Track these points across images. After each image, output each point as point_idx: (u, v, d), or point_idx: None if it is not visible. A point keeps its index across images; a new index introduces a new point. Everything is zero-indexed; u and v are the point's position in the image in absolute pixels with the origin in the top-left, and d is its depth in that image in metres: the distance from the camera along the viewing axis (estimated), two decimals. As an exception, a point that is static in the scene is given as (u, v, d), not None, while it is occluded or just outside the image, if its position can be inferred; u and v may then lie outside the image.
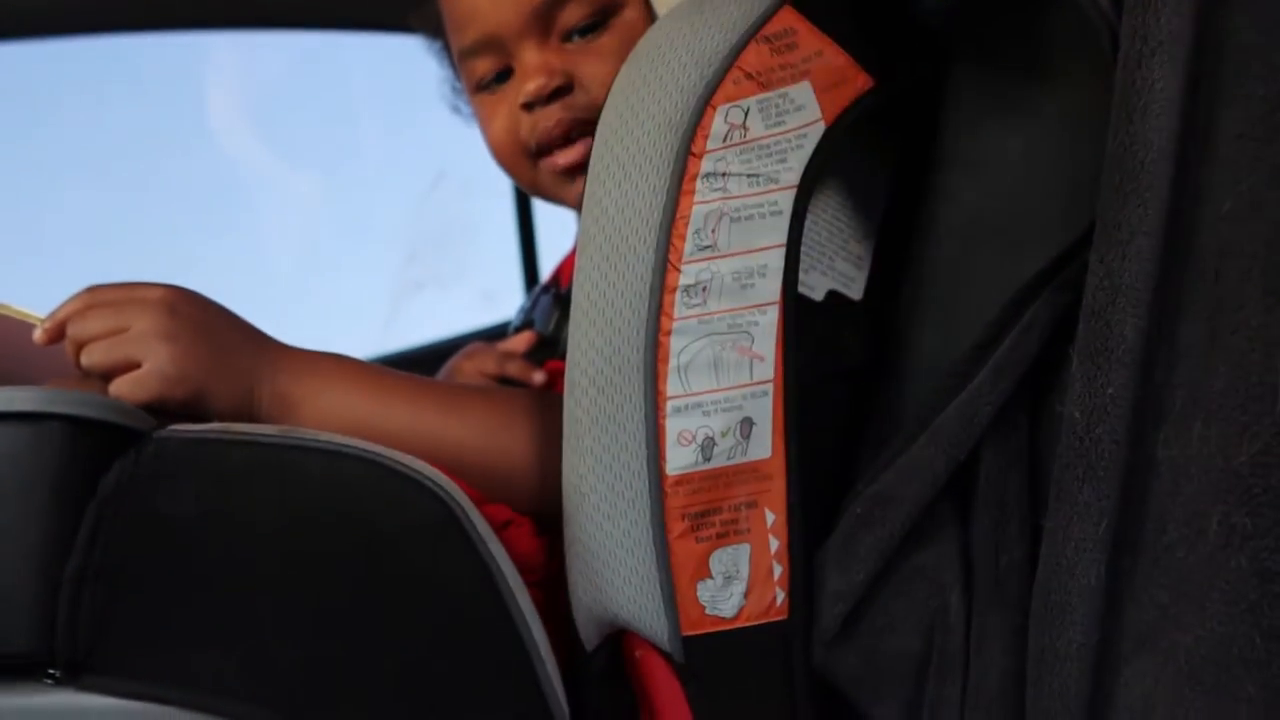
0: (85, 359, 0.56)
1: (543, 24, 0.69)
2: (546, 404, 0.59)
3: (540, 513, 0.59)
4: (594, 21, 0.70)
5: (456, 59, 0.77)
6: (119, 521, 0.39)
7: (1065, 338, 0.42)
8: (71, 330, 0.57)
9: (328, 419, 0.59)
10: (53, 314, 0.58)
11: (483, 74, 0.74)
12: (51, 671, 0.38)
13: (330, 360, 0.62)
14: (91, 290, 0.58)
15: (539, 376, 0.80)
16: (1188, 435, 0.37)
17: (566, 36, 0.70)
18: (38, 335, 0.58)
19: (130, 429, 0.42)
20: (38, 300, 0.66)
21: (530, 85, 0.69)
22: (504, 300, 1.05)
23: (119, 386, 0.55)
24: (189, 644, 0.39)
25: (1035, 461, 0.44)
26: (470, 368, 0.87)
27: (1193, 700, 0.36)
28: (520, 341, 0.89)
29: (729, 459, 0.49)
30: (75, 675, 0.38)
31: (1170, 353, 0.38)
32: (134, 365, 0.55)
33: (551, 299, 0.90)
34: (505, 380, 0.84)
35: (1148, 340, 0.38)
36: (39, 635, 0.37)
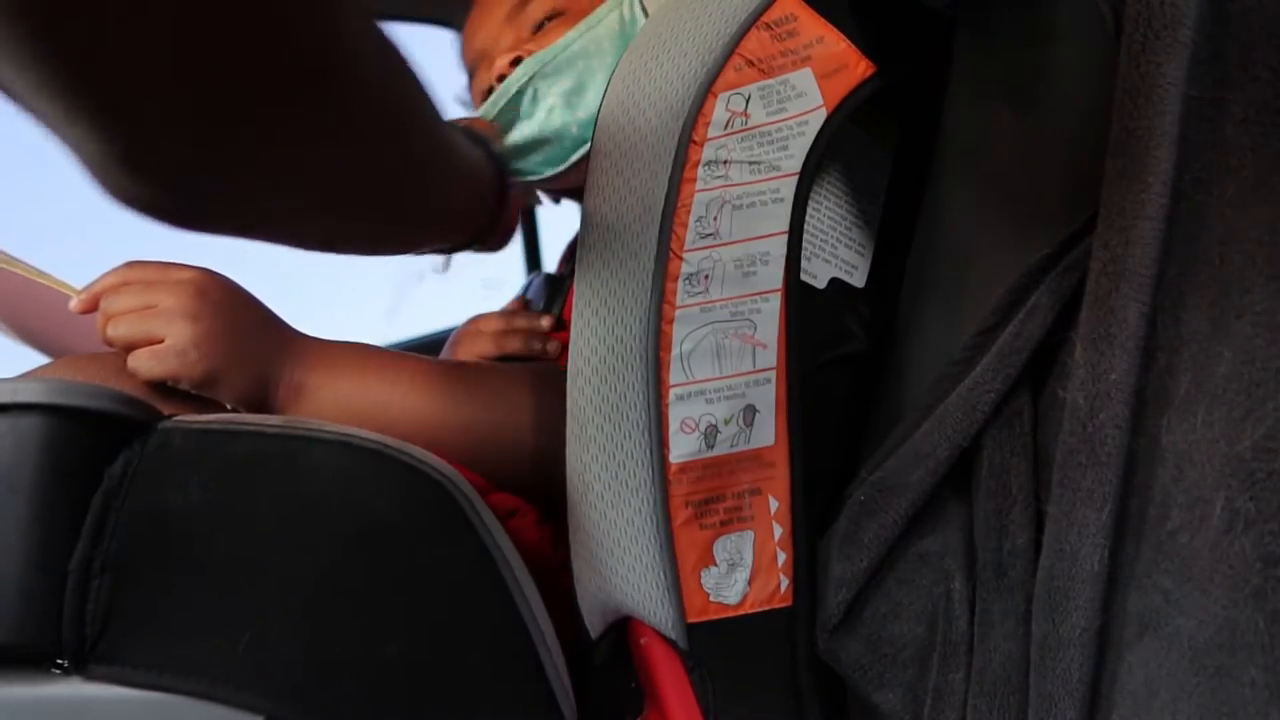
0: (111, 330, 0.58)
1: (514, 27, 0.83)
2: (559, 380, 0.60)
3: (552, 493, 0.59)
4: (555, 11, 0.83)
5: (469, 81, 0.91)
6: (124, 512, 0.39)
7: (1068, 323, 0.42)
8: (104, 304, 0.59)
9: (344, 407, 0.60)
10: (89, 286, 0.60)
11: (485, 85, 0.86)
12: (59, 661, 0.38)
13: (347, 349, 0.63)
14: (129, 266, 0.60)
15: (553, 347, 0.84)
16: (1191, 420, 0.37)
17: (537, 28, 0.83)
18: (73, 305, 0.60)
19: (136, 420, 0.42)
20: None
21: (499, 61, 0.82)
22: (506, 290, 1.06)
23: (137, 359, 0.57)
24: (194, 634, 0.39)
25: (1038, 447, 0.44)
26: (464, 353, 0.88)
27: (1196, 685, 0.36)
28: (521, 314, 0.91)
29: (732, 446, 0.49)
30: (82, 665, 0.38)
31: (1174, 338, 0.38)
32: (156, 341, 0.57)
33: (545, 280, 0.94)
34: (505, 358, 0.86)
35: (1151, 325, 0.37)
36: (46, 625, 0.37)
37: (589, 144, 0.76)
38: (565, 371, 0.53)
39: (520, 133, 0.79)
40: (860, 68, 0.50)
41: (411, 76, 0.42)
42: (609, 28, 0.79)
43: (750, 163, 0.49)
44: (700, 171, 0.48)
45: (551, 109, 0.78)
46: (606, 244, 0.51)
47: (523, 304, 0.95)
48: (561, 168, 0.80)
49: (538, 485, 0.63)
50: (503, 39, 0.84)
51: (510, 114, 0.79)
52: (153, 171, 0.32)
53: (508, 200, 0.61)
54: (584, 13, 0.81)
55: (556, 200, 1.04)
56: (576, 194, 0.97)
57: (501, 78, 0.82)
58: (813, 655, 0.50)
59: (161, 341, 0.57)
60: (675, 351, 0.49)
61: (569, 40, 0.78)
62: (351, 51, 0.36)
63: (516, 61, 0.81)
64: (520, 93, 0.78)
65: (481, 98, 0.87)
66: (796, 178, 0.49)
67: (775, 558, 0.50)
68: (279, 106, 0.33)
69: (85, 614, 0.38)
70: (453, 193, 0.52)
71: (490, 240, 0.65)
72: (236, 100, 0.32)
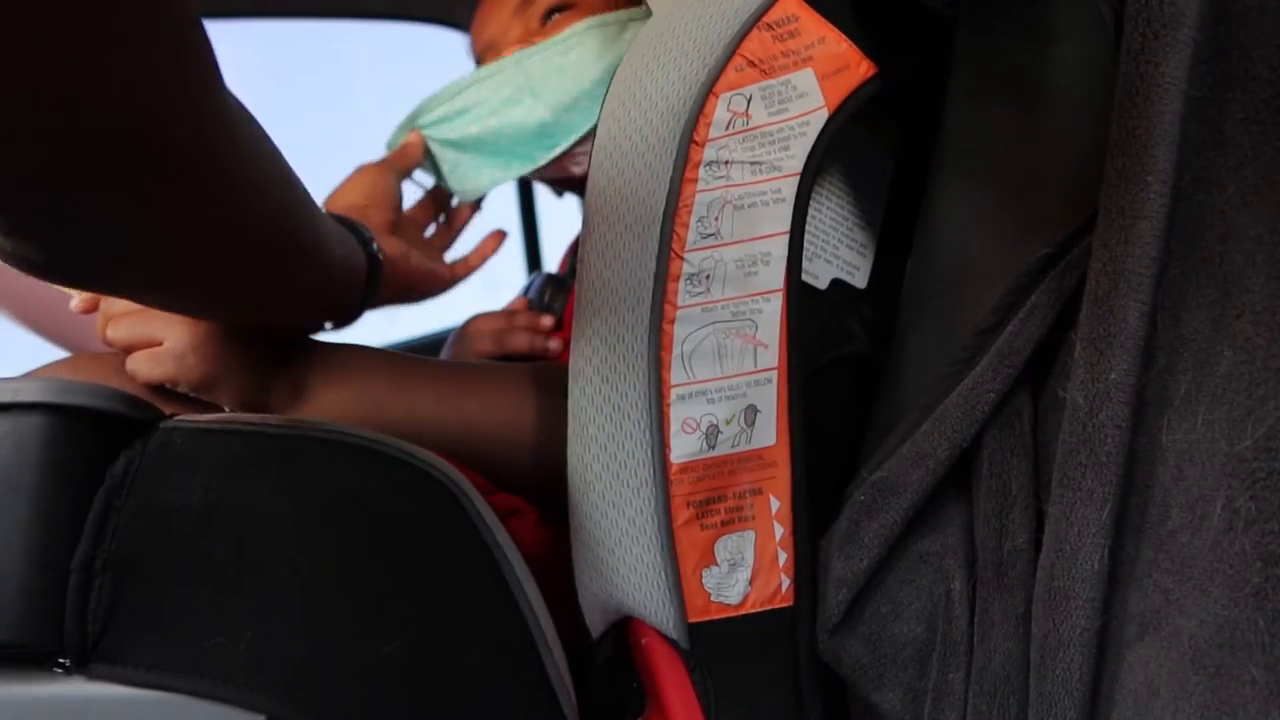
0: (111, 332, 0.57)
1: (523, 19, 0.84)
2: (561, 379, 0.60)
3: (553, 493, 0.59)
4: (564, 4, 0.83)
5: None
6: (126, 511, 0.39)
7: (1068, 323, 0.42)
8: (104, 304, 0.58)
9: (345, 409, 0.60)
10: None
11: None
12: (61, 660, 0.38)
13: (348, 351, 0.63)
14: None
15: (555, 345, 0.84)
16: (1192, 420, 0.37)
17: (545, 19, 0.83)
18: (74, 304, 0.60)
19: (137, 419, 0.42)
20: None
21: (506, 53, 0.82)
22: (506, 289, 1.06)
23: (135, 362, 0.57)
24: (195, 633, 0.39)
25: (1038, 446, 0.44)
26: (465, 351, 0.89)
27: (1196, 684, 0.36)
28: (522, 313, 0.92)
29: (733, 446, 0.50)
30: (83, 664, 0.38)
31: (1174, 337, 0.38)
32: (155, 343, 0.56)
33: (546, 280, 0.94)
34: (506, 357, 0.86)
35: (1151, 325, 0.37)
36: (48, 624, 0.37)
37: (561, 142, 0.78)
38: (567, 370, 0.53)
39: (478, 124, 0.81)
40: (862, 68, 0.50)
41: (282, 172, 0.44)
42: (611, 35, 0.79)
43: (751, 163, 0.49)
44: (701, 172, 0.48)
45: (519, 103, 0.79)
46: (608, 244, 0.51)
47: (524, 303, 0.96)
48: (538, 163, 0.81)
49: (539, 485, 0.63)
50: (511, 30, 0.84)
51: (485, 97, 0.80)
52: (24, 238, 0.33)
53: (378, 281, 0.64)
54: (593, 7, 0.82)
55: (559, 194, 1.04)
56: (577, 188, 0.98)
57: None
58: (814, 655, 0.50)
59: (160, 344, 0.57)
60: (676, 351, 0.49)
61: (565, 36, 0.78)
62: (214, 152, 0.36)
63: None
64: (495, 82, 0.79)
65: None
66: (798, 178, 0.49)
67: (776, 557, 0.50)
68: (141, 197, 0.34)
69: (87, 613, 0.38)
70: (323, 279, 0.54)
71: (369, 307, 0.67)
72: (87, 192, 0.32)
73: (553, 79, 0.79)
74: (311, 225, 0.48)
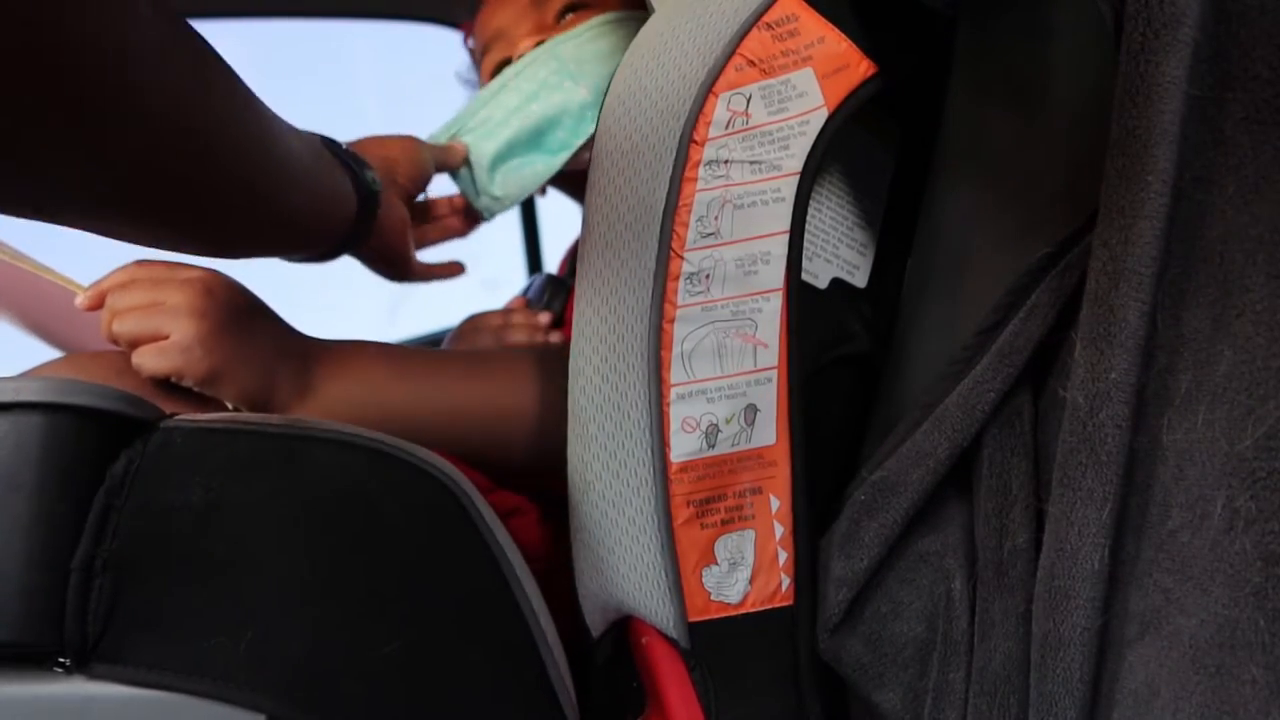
0: (116, 326, 0.58)
1: (537, 13, 0.84)
2: (564, 366, 0.60)
3: (555, 487, 0.59)
4: (579, 3, 0.84)
5: (479, 58, 0.92)
6: (126, 511, 0.39)
7: (1068, 322, 0.42)
8: (110, 300, 0.59)
9: (350, 406, 0.60)
10: (97, 283, 0.60)
11: (496, 63, 0.88)
12: (61, 660, 0.38)
13: (351, 349, 0.63)
14: (137, 264, 0.60)
15: (554, 339, 0.85)
16: (1192, 419, 0.37)
17: (560, 17, 0.84)
18: (79, 301, 0.60)
19: (138, 419, 0.42)
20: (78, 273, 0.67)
21: (522, 44, 0.83)
22: (506, 289, 1.07)
23: (141, 355, 0.57)
24: (196, 633, 0.39)
25: (1038, 446, 0.44)
26: (464, 348, 0.89)
27: (1197, 684, 0.36)
28: (520, 311, 0.93)
29: (733, 445, 0.50)
30: (84, 664, 0.38)
31: (1174, 337, 0.38)
32: (161, 337, 0.57)
33: (546, 280, 0.95)
34: None
35: (1151, 324, 0.37)
36: (48, 624, 0.37)
37: (591, 126, 0.79)
38: (567, 353, 0.54)
39: (520, 114, 0.81)
40: (862, 67, 0.50)
41: (220, 76, 0.41)
42: (632, 30, 0.80)
43: (751, 162, 0.49)
44: (701, 171, 0.48)
45: (558, 88, 0.80)
46: (608, 243, 0.51)
47: (523, 303, 0.96)
48: (567, 152, 0.82)
49: (541, 474, 0.63)
50: (524, 22, 0.85)
51: (524, 86, 0.81)
52: None
53: (373, 216, 0.63)
54: (605, 7, 0.82)
55: (542, 191, 1.04)
56: (570, 189, 0.98)
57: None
58: (814, 654, 0.50)
59: (166, 338, 0.57)
60: (676, 350, 0.49)
61: (591, 24, 0.79)
62: (131, 56, 0.34)
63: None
64: (529, 72, 0.80)
65: (490, 75, 0.89)
66: (798, 177, 0.49)
67: (776, 557, 0.50)
68: (51, 104, 0.32)
69: (87, 612, 0.38)
70: (286, 200, 0.51)
71: (362, 248, 0.65)
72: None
73: (589, 64, 0.79)
74: (260, 143, 0.46)
